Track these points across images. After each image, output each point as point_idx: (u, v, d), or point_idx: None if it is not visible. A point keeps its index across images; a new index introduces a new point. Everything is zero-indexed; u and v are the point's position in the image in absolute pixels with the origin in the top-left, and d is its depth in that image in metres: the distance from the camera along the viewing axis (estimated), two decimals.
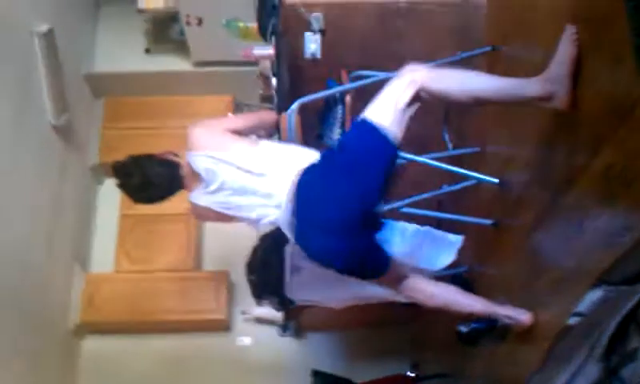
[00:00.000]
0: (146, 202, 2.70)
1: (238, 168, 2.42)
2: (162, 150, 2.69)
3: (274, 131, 2.89)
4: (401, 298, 3.02)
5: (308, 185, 2.30)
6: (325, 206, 2.24)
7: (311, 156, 2.41)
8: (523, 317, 2.52)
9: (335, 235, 2.25)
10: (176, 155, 2.68)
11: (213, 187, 2.49)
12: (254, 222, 2.53)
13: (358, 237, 2.28)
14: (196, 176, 2.55)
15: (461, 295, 2.63)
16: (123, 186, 2.64)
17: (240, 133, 2.59)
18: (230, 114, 3.38)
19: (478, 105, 2.50)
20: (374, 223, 2.40)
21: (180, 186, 2.65)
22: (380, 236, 2.41)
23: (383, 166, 2.20)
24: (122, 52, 5.50)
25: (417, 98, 2.11)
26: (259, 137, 2.71)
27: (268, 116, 2.88)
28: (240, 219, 2.55)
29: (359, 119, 2.20)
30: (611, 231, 1.92)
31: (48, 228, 4.66)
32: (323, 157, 2.38)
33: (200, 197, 2.56)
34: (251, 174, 2.40)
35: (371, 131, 2.15)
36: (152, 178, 2.60)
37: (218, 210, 2.52)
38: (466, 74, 2.23)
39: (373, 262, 2.39)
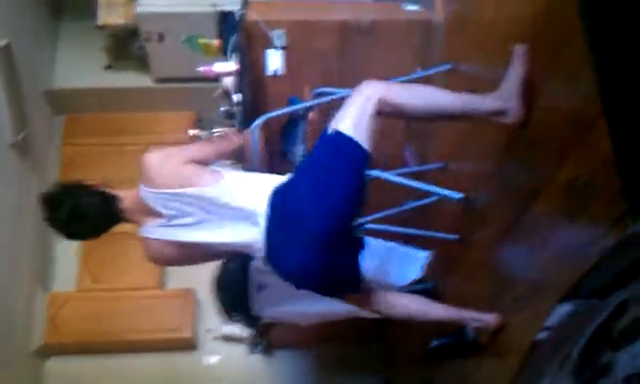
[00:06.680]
0: (78, 238, 2.53)
1: (208, 202, 2.27)
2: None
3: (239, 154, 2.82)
4: (367, 314, 3.01)
5: (282, 202, 2.22)
6: (301, 220, 2.17)
7: (278, 180, 2.31)
8: (489, 318, 2.57)
9: (314, 249, 2.17)
10: (111, 188, 2.44)
11: (176, 221, 2.32)
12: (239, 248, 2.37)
13: (337, 251, 2.22)
14: (149, 210, 2.34)
15: (427, 304, 2.64)
16: (51, 220, 2.38)
17: (202, 163, 2.37)
18: (189, 131, 3.31)
19: (435, 119, 2.57)
20: (352, 237, 2.35)
21: (118, 219, 2.42)
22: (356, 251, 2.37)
23: (357, 173, 2.17)
24: (82, 68, 5.40)
25: (378, 112, 2.12)
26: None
27: (230, 144, 2.68)
28: (211, 250, 2.40)
29: (327, 132, 2.17)
30: (577, 244, 1.94)
31: (8, 248, 4.55)
32: (296, 172, 2.31)
33: (157, 230, 2.37)
34: (220, 207, 2.27)
35: (340, 141, 2.12)
36: (83, 209, 2.34)
37: (183, 241, 2.34)
38: (424, 89, 2.30)
39: (349, 279, 2.35)
